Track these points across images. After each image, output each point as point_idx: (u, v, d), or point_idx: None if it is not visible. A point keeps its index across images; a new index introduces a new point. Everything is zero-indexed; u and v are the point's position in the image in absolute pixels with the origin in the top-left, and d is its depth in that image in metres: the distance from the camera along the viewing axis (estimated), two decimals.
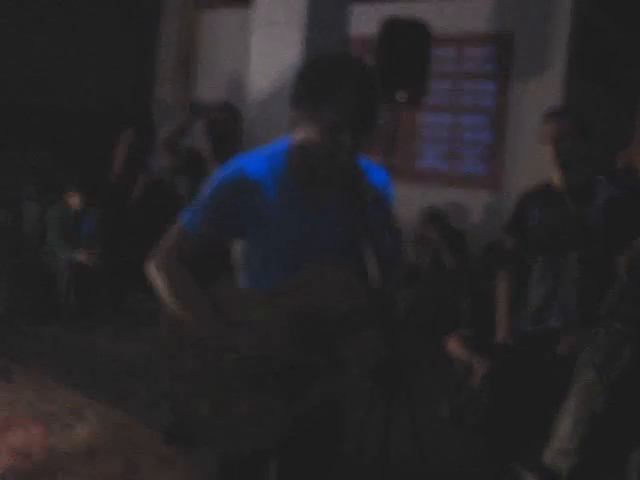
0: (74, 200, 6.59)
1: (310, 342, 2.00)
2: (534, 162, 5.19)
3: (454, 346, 4.66)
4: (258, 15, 5.68)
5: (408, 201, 6.88)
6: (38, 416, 4.24)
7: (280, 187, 2.03)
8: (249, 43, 5.78)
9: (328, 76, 1.92)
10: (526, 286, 3.34)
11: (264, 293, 2.05)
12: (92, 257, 6.47)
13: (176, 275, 2.05)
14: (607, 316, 2.72)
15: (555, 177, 3.27)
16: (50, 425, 4.13)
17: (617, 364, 2.57)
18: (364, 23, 6.47)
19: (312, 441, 2.19)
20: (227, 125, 3.94)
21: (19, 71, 7.37)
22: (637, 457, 2.60)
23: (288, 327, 2.00)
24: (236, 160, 2.07)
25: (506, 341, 3.34)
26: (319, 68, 1.97)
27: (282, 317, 2.01)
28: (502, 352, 3.33)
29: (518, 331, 3.29)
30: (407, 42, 5.13)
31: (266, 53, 5.55)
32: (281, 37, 5.44)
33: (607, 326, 2.68)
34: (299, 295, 2.02)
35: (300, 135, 2.00)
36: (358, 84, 1.91)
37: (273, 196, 2.02)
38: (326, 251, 2.06)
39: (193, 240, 2.05)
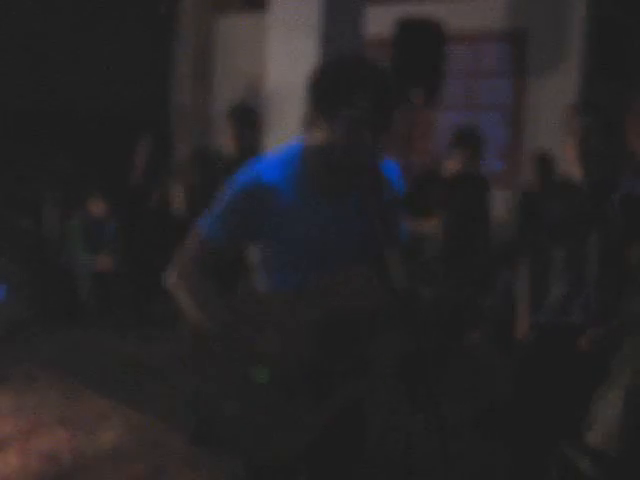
0: (96, 207, 6.63)
1: (335, 346, 2.00)
2: None
3: (477, 344, 4.66)
4: (274, 18, 5.70)
5: None
6: (63, 420, 4.29)
7: (297, 189, 2.04)
8: (265, 46, 5.81)
9: (347, 76, 1.94)
10: (547, 280, 3.33)
11: (286, 296, 2.05)
12: (113, 264, 6.51)
13: (196, 285, 2.05)
14: None
15: (576, 172, 3.25)
16: (75, 428, 4.17)
17: None
18: (379, 24, 6.48)
19: (339, 443, 2.19)
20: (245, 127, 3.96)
21: (37, 78, 7.44)
22: None
23: (313, 332, 2.00)
24: (251, 166, 2.08)
25: (526, 338, 3.33)
26: (337, 69, 1.99)
27: (306, 322, 2.01)
28: (523, 349, 3.32)
29: (539, 327, 3.29)
30: (422, 41, 5.13)
31: (283, 56, 5.57)
32: (297, 40, 5.46)
33: None
34: (322, 298, 2.01)
35: (316, 136, 2.01)
36: (376, 82, 1.93)
37: (290, 199, 2.02)
38: (346, 251, 2.06)
39: (212, 248, 2.05)
